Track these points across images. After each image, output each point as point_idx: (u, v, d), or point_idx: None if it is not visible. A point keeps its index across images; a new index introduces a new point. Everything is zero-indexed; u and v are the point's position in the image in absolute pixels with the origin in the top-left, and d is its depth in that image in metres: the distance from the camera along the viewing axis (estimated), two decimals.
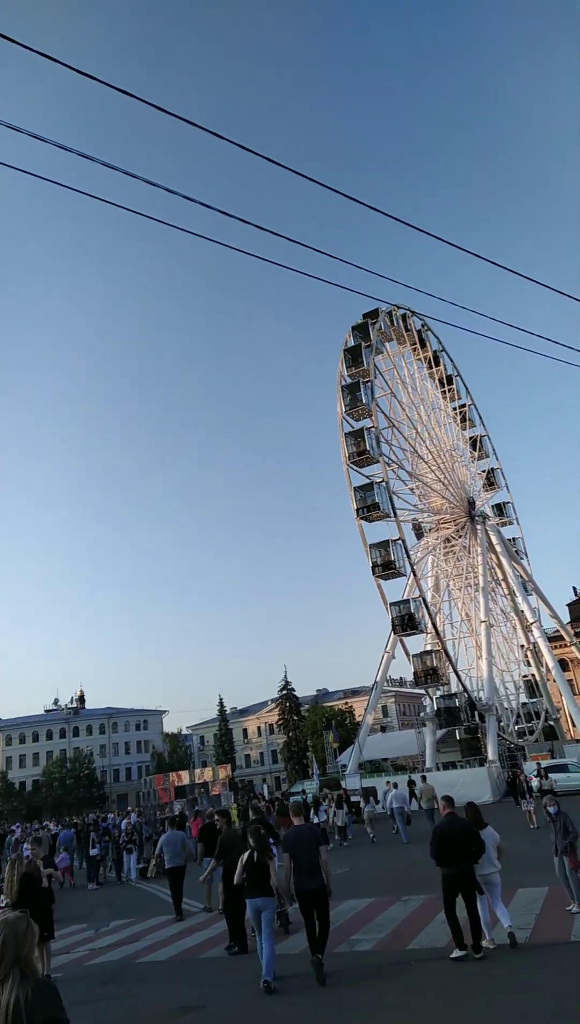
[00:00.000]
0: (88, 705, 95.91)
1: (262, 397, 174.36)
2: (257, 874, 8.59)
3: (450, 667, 44.50)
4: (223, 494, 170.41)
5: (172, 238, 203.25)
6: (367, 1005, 7.34)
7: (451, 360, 58.59)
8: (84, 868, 22.52)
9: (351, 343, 48.39)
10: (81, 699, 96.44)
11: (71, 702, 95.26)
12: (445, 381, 57.32)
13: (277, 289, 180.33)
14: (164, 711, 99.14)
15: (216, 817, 13.37)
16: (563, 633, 60.79)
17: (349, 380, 46.93)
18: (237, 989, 8.50)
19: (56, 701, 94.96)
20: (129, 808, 39.10)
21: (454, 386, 58.30)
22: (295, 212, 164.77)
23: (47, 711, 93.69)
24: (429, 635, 45.55)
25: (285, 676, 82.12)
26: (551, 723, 50.42)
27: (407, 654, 44.70)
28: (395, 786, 25.62)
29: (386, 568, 43.77)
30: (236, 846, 10.32)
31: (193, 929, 12.57)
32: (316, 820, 20.93)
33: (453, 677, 45.27)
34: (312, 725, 74.74)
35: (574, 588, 74.26)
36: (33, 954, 3.16)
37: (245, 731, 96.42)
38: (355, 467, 45.40)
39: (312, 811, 22.34)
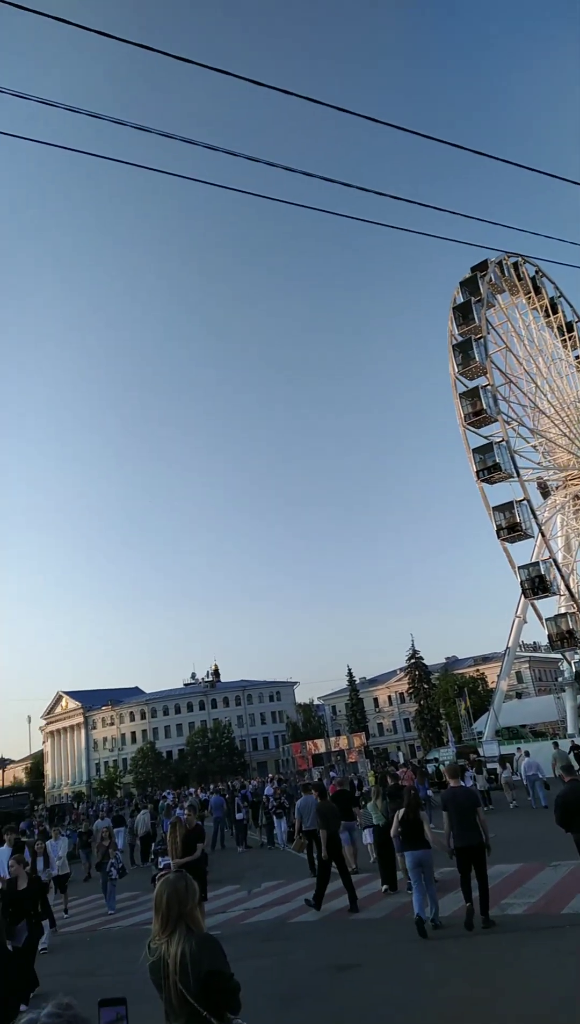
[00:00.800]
0: (222, 679, 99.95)
1: (372, 360, 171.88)
2: (412, 829, 9.43)
3: None
4: (340, 466, 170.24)
5: (263, 204, 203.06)
6: (521, 966, 7.28)
7: (570, 305, 55.06)
8: (233, 832, 23.63)
9: (460, 300, 46.56)
10: (216, 673, 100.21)
11: (207, 676, 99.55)
12: (564, 329, 53.97)
13: (373, 249, 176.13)
14: (295, 683, 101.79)
15: (312, 791, 14.03)
16: None
17: (460, 338, 45.29)
18: (390, 949, 8.66)
19: (193, 675, 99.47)
20: (270, 775, 40.57)
21: (575, 333, 54.76)
22: (385, 165, 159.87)
23: (185, 685, 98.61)
24: (563, 597, 43.64)
25: (412, 645, 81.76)
26: None
27: (540, 618, 43.08)
28: (527, 753, 25.15)
29: (512, 531, 42.23)
30: (330, 816, 11.64)
31: (342, 891, 12.88)
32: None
33: None
34: (443, 693, 74.05)
35: None
36: (196, 910, 3.36)
37: (375, 700, 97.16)
38: (472, 428, 43.92)
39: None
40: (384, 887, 12.06)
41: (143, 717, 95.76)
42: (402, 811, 9.65)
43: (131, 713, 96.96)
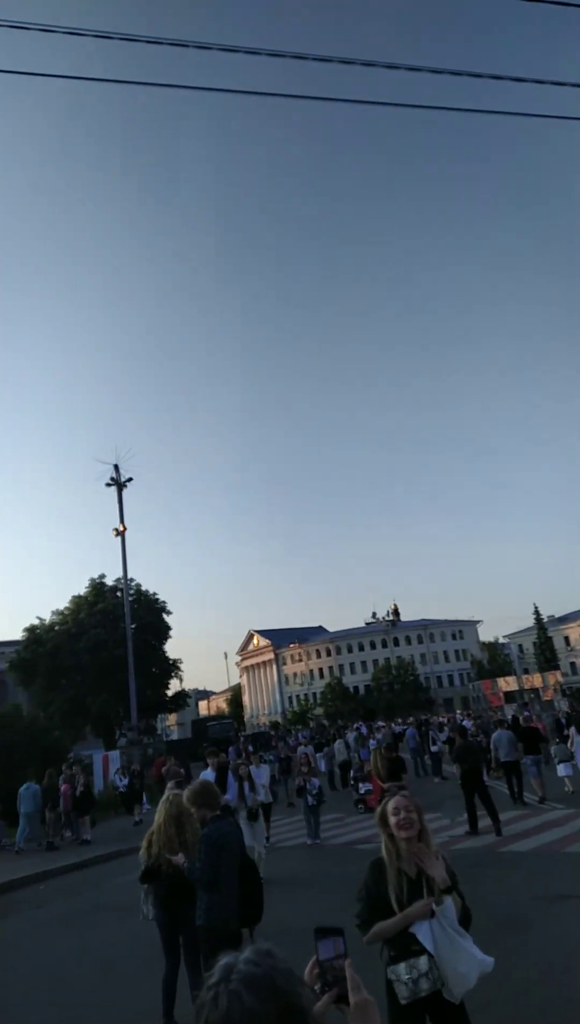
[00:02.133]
0: (403, 618, 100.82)
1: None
2: None
3: None
4: (537, 399, 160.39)
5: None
6: None
7: None
8: (430, 763, 24.17)
9: None
10: (395, 612, 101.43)
11: (387, 615, 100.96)
12: None
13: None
14: (478, 621, 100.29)
15: (453, 733, 14.96)
16: None
17: None
18: None
19: (374, 614, 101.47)
20: (458, 711, 40.70)
21: None
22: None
23: (367, 624, 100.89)
24: None
25: None
26: None
27: None
28: None
29: None
30: (470, 754, 13.30)
31: (551, 824, 12.83)
32: None
33: None
34: None
35: None
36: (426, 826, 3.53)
37: (566, 638, 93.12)
38: None
39: None
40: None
41: (329, 654, 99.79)
42: None
43: (317, 650, 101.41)
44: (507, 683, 44.88)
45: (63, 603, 44.13)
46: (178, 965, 5.78)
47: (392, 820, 3.37)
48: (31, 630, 41.89)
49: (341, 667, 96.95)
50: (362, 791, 18.36)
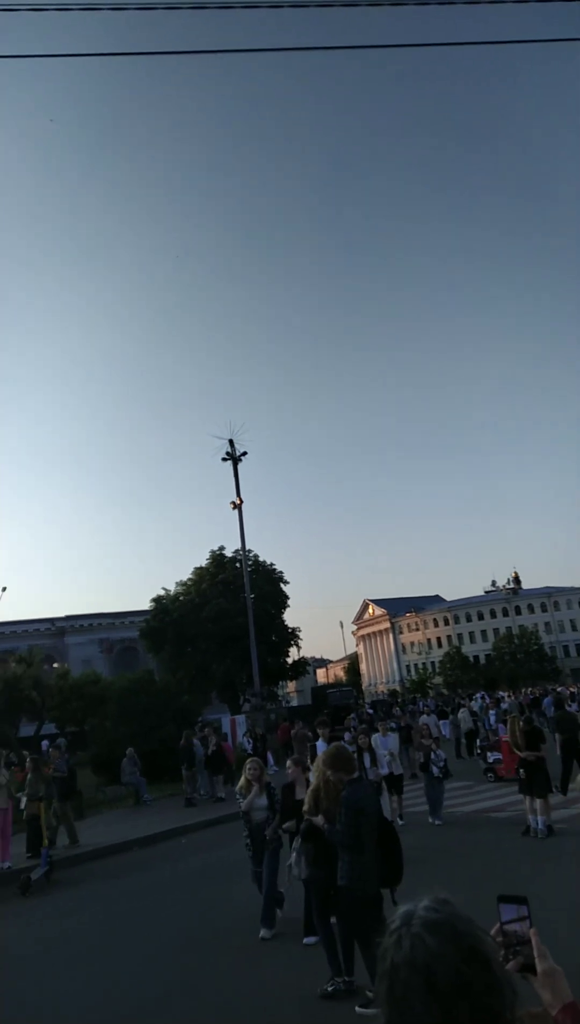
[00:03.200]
0: (524, 585, 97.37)
1: None
2: None
3: None
4: None
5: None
6: None
7: None
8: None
9: None
10: (516, 580, 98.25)
11: (507, 583, 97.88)
12: None
13: None
14: None
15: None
16: None
17: None
18: None
19: (493, 583, 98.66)
20: None
21: None
22: None
23: (486, 592, 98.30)
24: None
25: None
26: None
27: None
28: None
29: None
30: (568, 723, 13.61)
31: None
32: None
33: None
34: None
35: None
36: None
37: None
38: None
39: None
40: None
41: (446, 623, 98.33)
42: None
43: (434, 619, 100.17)
44: None
45: (186, 574, 45.80)
46: (329, 922, 5.85)
47: None
48: (158, 600, 43.97)
49: (459, 636, 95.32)
50: (491, 760, 18.06)
